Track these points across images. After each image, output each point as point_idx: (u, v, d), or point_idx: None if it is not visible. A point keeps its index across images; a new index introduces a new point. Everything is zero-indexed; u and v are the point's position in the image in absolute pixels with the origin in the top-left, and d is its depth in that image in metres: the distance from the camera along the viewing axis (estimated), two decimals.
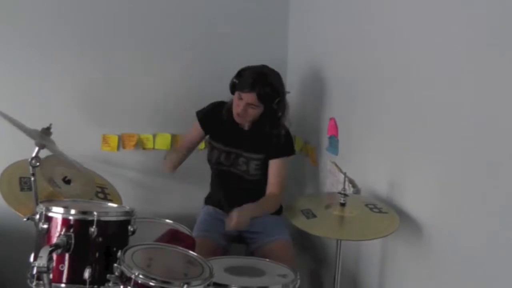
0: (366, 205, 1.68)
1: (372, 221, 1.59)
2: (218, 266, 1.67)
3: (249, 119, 2.24)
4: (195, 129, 2.38)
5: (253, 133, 2.28)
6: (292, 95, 2.71)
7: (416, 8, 1.57)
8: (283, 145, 2.27)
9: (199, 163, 2.66)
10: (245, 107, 2.16)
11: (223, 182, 2.37)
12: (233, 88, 2.21)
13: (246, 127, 2.30)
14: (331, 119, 2.20)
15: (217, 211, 2.39)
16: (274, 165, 2.26)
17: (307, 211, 1.63)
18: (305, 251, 2.64)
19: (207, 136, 2.40)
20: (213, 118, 2.34)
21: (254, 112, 2.19)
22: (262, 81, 2.13)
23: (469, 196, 1.33)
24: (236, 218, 2.02)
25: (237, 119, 2.23)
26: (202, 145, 2.64)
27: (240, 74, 2.20)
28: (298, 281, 1.66)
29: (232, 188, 2.32)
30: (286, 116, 2.27)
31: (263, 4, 2.75)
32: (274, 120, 2.23)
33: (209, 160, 2.38)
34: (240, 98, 2.15)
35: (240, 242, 2.37)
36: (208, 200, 2.48)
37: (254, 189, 2.29)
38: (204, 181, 2.57)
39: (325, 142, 2.28)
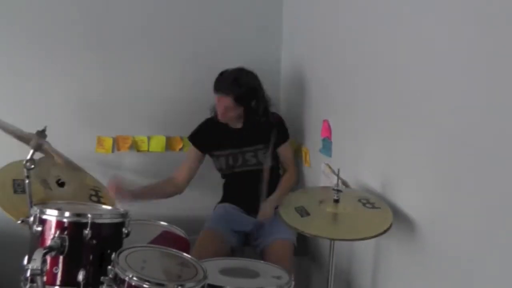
0: (359, 200, 1.68)
1: (366, 217, 1.59)
2: (213, 267, 1.68)
3: (232, 118, 2.35)
4: (192, 151, 2.47)
5: (247, 128, 2.40)
6: (286, 98, 2.73)
7: (407, 8, 1.58)
8: (281, 133, 2.42)
9: None
10: (224, 110, 2.28)
11: (241, 183, 2.44)
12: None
13: (239, 126, 2.41)
14: (324, 121, 2.21)
15: (233, 207, 2.44)
16: (281, 153, 2.44)
17: (300, 209, 1.63)
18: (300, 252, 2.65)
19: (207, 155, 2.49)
20: (206, 135, 2.45)
21: (234, 113, 2.31)
22: (236, 85, 2.24)
23: (463, 194, 1.34)
24: (268, 209, 2.21)
25: (220, 119, 2.34)
26: None
27: (218, 76, 2.30)
28: (293, 283, 1.67)
29: (250, 186, 2.35)
30: (271, 106, 2.43)
31: (257, 9, 2.76)
32: (260, 113, 2.35)
33: (220, 169, 2.47)
34: (219, 101, 2.28)
35: (249, 244, 2.41)
36: (224, 200, 2.51)
37: (270, 178, 2.30)
38: (198, 183, 2.57)
39: (318, 144, 2.29)
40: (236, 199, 2.44)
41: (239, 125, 2.41)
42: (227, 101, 2.25)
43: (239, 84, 2.25)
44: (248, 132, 2.40)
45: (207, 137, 2.44)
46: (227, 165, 2.43)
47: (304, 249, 2.56)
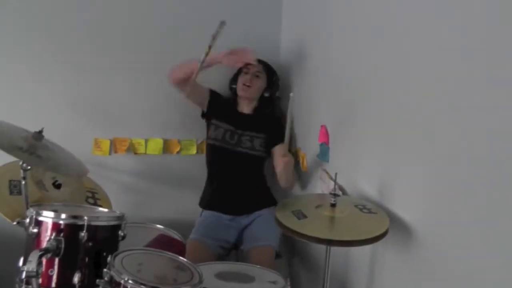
0: (356, 205, 1.69)
1: (363, 221, 1.60)
2: (209, 271, 1.68)
3: (254, 92, 2.50)
4: (206, 89, 2.55)
5: (254, 116, 2.54)
6: (284, 101, 2.73)
7: (409, 15, 1.59)
8: (280, 134, 2.43)
9: (192, 168, 2.68)
10: (252, 77, 2.47)
11: (227, 163, 2.48)
12: (239, 70, 2.53)
13: (248, 112, 2.54)
14: (322, 126, 2.22)
15: (216, 216, 2.43)
16: (275, 153, 2.47)
17: (297, 212, 1.64)
18: (293, 257, 2.65)
19: (210, 121, 2.55)
20: (220, 100, 2.59)
21: (259, 83, 2.49)
22: (263, 61, 2.56)
23: (460, 201, 1.33)
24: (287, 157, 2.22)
25: (244, 92, 2.48)
26: (193, 150, 2.67)
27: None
28: None
29: (236, 169, 2.46)
30: (277, 99, 2.63)
31: (257, 12, 2.78)
32: (270, 102, 2.57)
33: (214, 139, 2.49)
34: (246, 73, 2.48)
35: (237, 249, 2.42)
36: (207, 204, 2.50)
37: (258, 167, 2.52)
38: (196, 186, 2.57)
39: (316, 149, 2.29)
40: (219, 180, 2.48)
41: (248, 111, 2.54)
42: (257, 66, 2.47)
43: (267, 64, 2.56)
44: (253, 120, 2.51)
45: (221, 103, 2.56)
46: (223, 139, 2.46)
47: (292, 250, 2.57)
